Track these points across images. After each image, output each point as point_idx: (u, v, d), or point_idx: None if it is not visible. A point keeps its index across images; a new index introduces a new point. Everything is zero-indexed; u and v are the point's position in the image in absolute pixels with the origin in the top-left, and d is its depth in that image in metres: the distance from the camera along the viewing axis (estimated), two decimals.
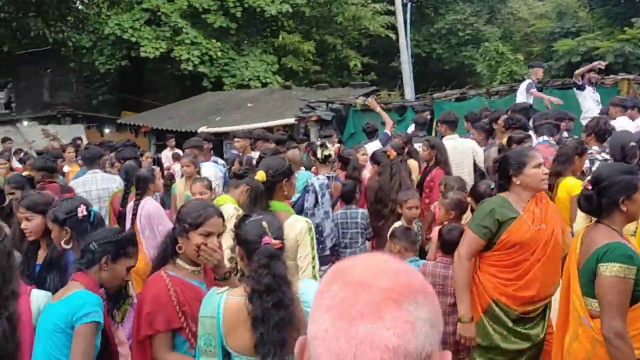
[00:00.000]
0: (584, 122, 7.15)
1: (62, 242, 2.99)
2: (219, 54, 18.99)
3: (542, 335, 3.47)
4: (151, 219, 4.90)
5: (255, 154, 7.21)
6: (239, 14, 19.00)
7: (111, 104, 23.52)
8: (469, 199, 4.53)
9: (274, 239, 2.31)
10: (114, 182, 5.98)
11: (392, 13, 18.90)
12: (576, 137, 5.70)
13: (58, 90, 22.70)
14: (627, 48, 17.99)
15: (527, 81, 8.94)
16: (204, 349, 2.31)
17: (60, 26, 18.57)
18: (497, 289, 3.40)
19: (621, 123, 6.49)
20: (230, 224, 3.54)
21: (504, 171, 3.48)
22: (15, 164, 9.14)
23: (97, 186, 5.97)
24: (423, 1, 24.85)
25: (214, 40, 19.01)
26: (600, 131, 5.39)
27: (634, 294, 2.61)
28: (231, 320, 2.27)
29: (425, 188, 6.10)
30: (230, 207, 4.18)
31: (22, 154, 10.80)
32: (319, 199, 4.95)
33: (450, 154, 6.27)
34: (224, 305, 2.29)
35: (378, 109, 8.39)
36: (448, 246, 3.82)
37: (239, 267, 3.65)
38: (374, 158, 5.96)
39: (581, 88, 8.55)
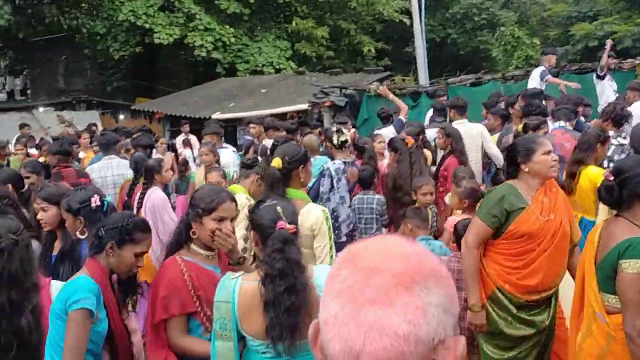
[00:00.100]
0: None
1: (77, 232, 3.02)
2: (233, 39, 18.96)
3: (548, 322, 3.43)
4: (155, 210, 4.90)
5: (269, 142, 7.21)
6: (252, 0, 18.92)
7: (125, 90, 23.62)
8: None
9: (289, 223, 2.31)
10: (129, 169, 6.02)
11: None
12: (596, 120, 5.62)
13: (73, 77, 22.84)
14: None
15: (541, 68, 8.78)
16: (220, 333, 2.33)
17: (75, 13, 18.64)
18: (501, 277, 3.37)
19: (639, 108, 6.41)
20: (242, 214, 3.56)
21: (513, 158, 3.42)
22: (31, 150, 9.22)
23: (112, 172, 6.02)
24: None
25: (228, 26, 18.97)
26: (617, 116, 5.34)
27: None
28: (246, 305, 2.28)
29: (440, 177, 6.06)
30: (241, 197, 4.15)
31: (38, 141, 10.89)
32: (335, 184, 4.94)
33: None
34: (239, 290, 2.31)
35: (391, 96, 8.34)
36: None
37: (251, 254, 3.68)
38: (392, 145, 5.93)
39: (601, 77, 8.43)
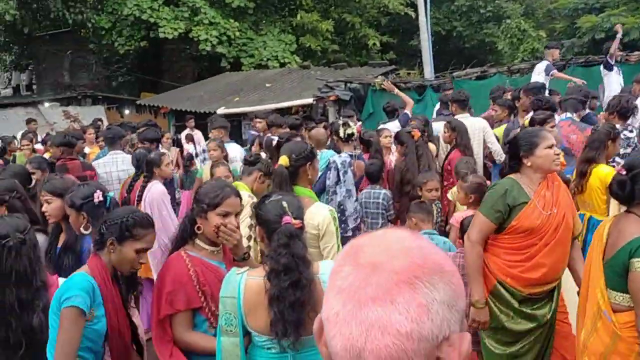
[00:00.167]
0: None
1: (81, 227, 3.02)
2: (237, 34, 18.93)
3: (549, 316, 3.41)
4: (153, 204, 4.90)
5: (274, 138, 7.18)
6: None
7: (130, 85, 23.65)
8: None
9: (294, 218, 2.31)
10: None
11: None
12: (602, 113, 5.58)
13: (78, 72, 22.86)
14: None
15: (545, 63, 8.74)
16: (225, 328, 2.33)
17: (80, 7, 18.64)
18: (503, 270, 3.35)
19: None
20: (246, 212, 3.56)
21: (515, 152, 3.38)
22: (37, 146, 9.25)
23: (117, 167, 6.03)
24: None
25: (232, 20, 18.94)
26: (622, 109, 5.31)
27: None
28: (251, 301, 2.29)
29: (444, 171, 6.07)
30: (244, 195, 4.12)
31: (44, 136, 10.93)
32: (341, 177, 4.92)
33: None
34: (244, 285, 2.31)
35: (395, 90, 8.31)
36: None
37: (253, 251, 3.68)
38: (398, 138, 5.92)
39: (610, 68, 8.38)
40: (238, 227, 2.69)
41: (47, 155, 6.67)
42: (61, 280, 2.80)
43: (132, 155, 6.02)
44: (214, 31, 18.33)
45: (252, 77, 17.06)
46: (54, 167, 5.41)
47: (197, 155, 8.35)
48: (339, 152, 5.57)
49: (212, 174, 5.08)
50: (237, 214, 2.71)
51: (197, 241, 2.71)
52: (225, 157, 6.32)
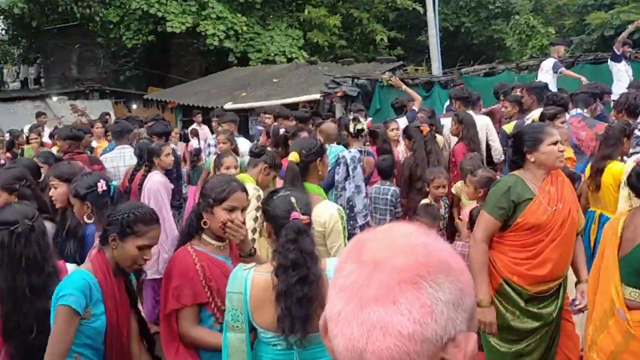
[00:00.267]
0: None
1: (84, 216, 3.03)
2: (245, 28, 18.93)
3: (555, 314, 3.39)
4: (150, 193, 4.89)
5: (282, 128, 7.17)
6: None
7: (138, 79, 23.69)
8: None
9: (302, 214, 2.30)
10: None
11: None
12: (611, 109, 5.53)
13: (86, 66, 22.94)
14: None
15: (553, 60, 8.66)
16: (232, 324, 2.32)
17: (88, 1, 18.71)
18: (509, 268, 3.32)
19: None
20: (251, 206, 3.54)
21: (519, 148, 3.35)
22: (45, 139, 9.27)
23: (125, 162, 6.04)
24: None
25: (240, 15, 18.94)
26: (631, 106, 5.26)
27: None
28: (258, 297, 2.28)
29: (450, 163, 6.11)
30: (250, 188, 4.08)
31: (52, 129, 10.96)
32: (350, 172, 4.90)
33: None
34: (251, 281, 2.30)
35: (403, 87, 8.27)
36: None
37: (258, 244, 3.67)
38: (407, 133, 5.92)
39: (617, 60, 8.32)
40: (244, 223, 2.68)
41: (54, 149, 6.69)
42: (72, 266, 2.84)
43: (135, 145, 6.03)
44: (221, 26, 18.34)
45: (259, 72, 17.06)
46: (62, 160, 5.43)
47: (200, 151, 8.35)
48: (347, 146, 5.56)
49: (218, 165, 5.04)
50: (243, 209, 2.70)
51: (204, 236, 2.70)
52: (235, 150, 6.28)
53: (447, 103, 8.56)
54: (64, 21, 20.48)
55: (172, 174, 6.25)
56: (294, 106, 11.84)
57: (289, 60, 18.68)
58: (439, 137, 6.54)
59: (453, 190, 5.41)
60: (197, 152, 8.20)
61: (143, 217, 2.54)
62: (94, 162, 5.90)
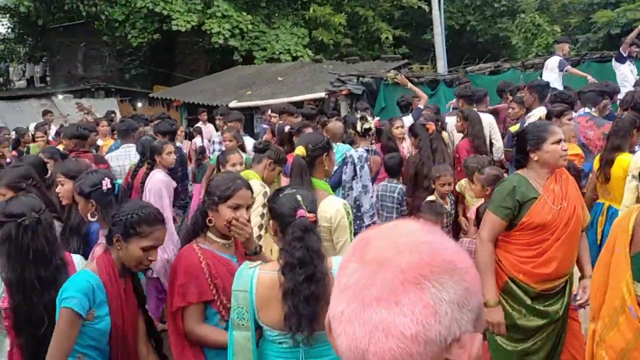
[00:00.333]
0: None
1: (88, 214, 3.04)
2: (250, 27, 18.94)
3: (562, 312, 3.37)
4: (151, 192, 4.88)
5: (287, 125, 7.16)
6: None
7: (143, 77, 23.75)
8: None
9: (308, 212, 2.30)
10: None
11: None
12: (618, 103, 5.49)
13: (91, 64, 23.02)
14: None
15: (558, 58, 8.63)
16: (237, 322, 2.32)
17: None
18: (515, 267, 3.30)
19: None
20: (258, 201, 3.54)
21: (522, 146, 3.33)
22: (51, 136, 9.31)
23: (130, 160, 6.05)
24: None
25: (245, 13, 18.96)
26: (637, 105, 5.26)
27: None
28: (264, 295, 2.28)
29: (454, 160, 6.12)
30: (256, 184, 4.02)
31: (58, 127, 11.00)
32: (358, 172, 4.90)
33: None
34: (257, 279, 2.30)
35: (409, 84, 8.26)
36: None
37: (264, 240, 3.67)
38: (413, 130, 5.92)
39: (622, 61, 8.29)
40: (249, 220, 2.68)
41: (60, 147, 6.71)
42: (77, 257, 2.86)
43: (138, 142, 6.02)
44: (226, 24, 18.36)
45: (264, 71, 17.07)
46: (67, 157, 5.45)
47: (205, 149, 8.35)
48: (352, 144, 5.55)
49: (223, 162, 5.03)
50: (248, 207, 2.70)
51: (209, 234, 2.70)
52: (242, 147, 6.28)
53: (453, 101, 8.55)
54: (69, 19, 20.56)
55: (177, 172, 6.26)
56: (299, 104, 11.84)
57: (294, 58, 18.68)
58: (444, 134, 6.55)
59: (457, 187, 5.41)
60: (202, 150, 8.20)
61: (147, 217, 2.52)
62: (99, 161, 5.92)
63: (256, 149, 4.58)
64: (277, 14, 20.53)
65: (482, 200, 4.65)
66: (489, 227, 3.32)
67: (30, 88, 23.65)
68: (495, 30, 23.24)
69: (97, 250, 2.88)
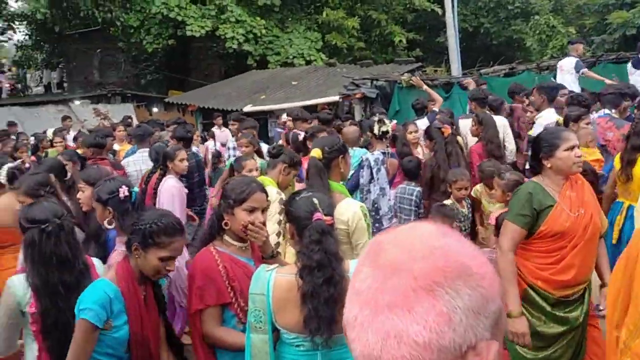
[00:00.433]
0: None
1: (105, 221, 3.07)
2: (264, 31, 19.04)
3: (582, 319, 3.33)
4: (163, 199, 4.89)
5: (301, 133, 7.19)
6: None
7: (158, 82, 23.94)
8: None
9: (325, 215, 2.31)
10: None
11: None
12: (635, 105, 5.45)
13: (107, 70, 23.27)
14: None
15: (575, 60, 8.54)
16: (254, 325, 2.33)
17: (109, 6, 18.94)
18: (533, 274, 3.28)
19: None
20: (273, 208, 3.54)
21: (536, 153, 3.30)
22: (69, 142, 9.41)
23: (147, 165, 6.09)
24: None
25: (259, 18, 19.06)
26: None
27: None
28: (281, 298, 2.28)
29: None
30: (272, 190, 4.00)
31: (76, 133, 11.13)
32: (374, 175, 4.89)
33: None
34: (274, 282, 2.31)
35: (424, 87, 8.25)
36: None
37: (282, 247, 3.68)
38: (428, 133, 5.91)
39: (638, 66, 8.20)
40: (264, 224, 2.69)
41: (79, 152, 6.79)
42: (97, 261, 2.89)
43: (151, 148, 6.06)
44: (240, 29, 18.47)
45: (278, 75, 17.13)
46: (85, 160, 5.53)
47: (220, 153, 8.39)
48: (367, 147, 5.55)
49: (239, 168, 5.04)
50: (263, 210, 2.71)
51: (226, 237, 2.71)
52: (258, 152, 6.28)
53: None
54: (85, 26, 20.79)
55: (194, 178, 6.29)
56: (313, 108, 11.88)
57: (308, 62, 18.73)
58: (459, 138, 6.53)
59: (472, 193, 5.36)
60: (218, 154, 8.25)
61: (166, 228, 2.51)
62: (116, 167, 5.98)
63: (270, 154, 4.59)
64: (290, 19, 20.61)
65: (498, 206, 4.63)
66: (508, 237, 3.28)
67: (48, 94, 23.94)
68: (510, 33, 23.11)
69: (115, 257, 2.90)
